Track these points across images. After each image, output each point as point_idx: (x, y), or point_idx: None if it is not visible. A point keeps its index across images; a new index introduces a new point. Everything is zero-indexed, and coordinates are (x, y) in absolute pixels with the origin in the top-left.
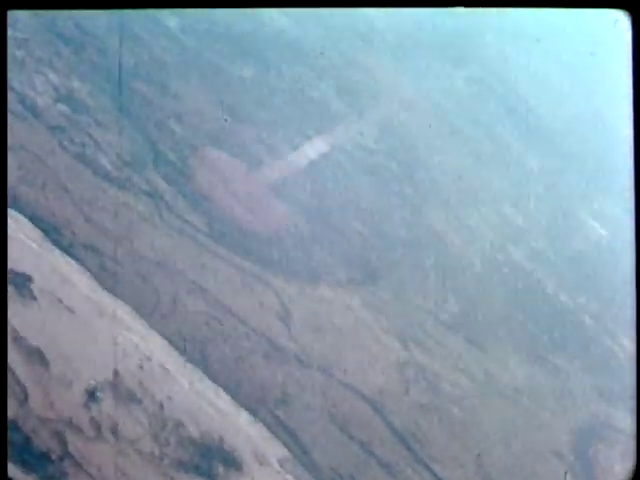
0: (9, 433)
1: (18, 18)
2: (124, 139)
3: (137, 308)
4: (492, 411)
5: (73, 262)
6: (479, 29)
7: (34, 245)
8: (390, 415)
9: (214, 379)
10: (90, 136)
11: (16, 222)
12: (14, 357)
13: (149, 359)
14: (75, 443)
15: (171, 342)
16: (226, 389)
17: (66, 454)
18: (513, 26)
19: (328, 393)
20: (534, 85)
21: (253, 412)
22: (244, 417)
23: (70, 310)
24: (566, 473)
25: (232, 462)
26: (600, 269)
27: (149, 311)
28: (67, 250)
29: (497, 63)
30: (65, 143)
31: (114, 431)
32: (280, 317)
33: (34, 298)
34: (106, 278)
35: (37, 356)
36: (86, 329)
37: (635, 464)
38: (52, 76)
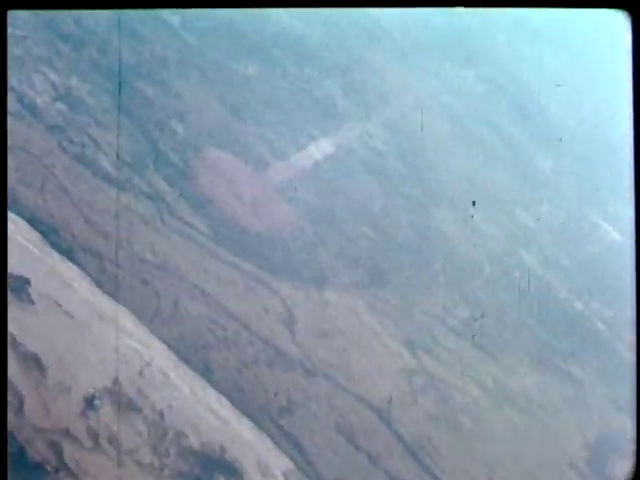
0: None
1: (17, 16)
2: (124, 139)
3: (137, 313)
4: (503, 421)
5: (72, 265)
6: (488, 28)
7: (32, 248)
8: (398, 425)
9: (216, 387)
10: (90, 136)
11: (14, 224)
12: (10, 363)
13: (149, 365)
14: (71, 453)
15: (172, 348)
16: (228, 397)
17: (62, 465)
18: (522, 25)
19: (334, 402)
20: (546, 84)
21: (256, 421)
22: (247, 426)
23: (69, 314)
24: None
25: (234, 473)
26: (614, 274)
27: (150, 316)
28: (66, 253)
29: (508, 62)
30: (64, 143)
31: (112, 441)
32: (284, 322)
33: (32, 302)
34: (106, 282)
35: (34, 362)
36: (85, 334)
37: (635, 464)
38: (51, 75)
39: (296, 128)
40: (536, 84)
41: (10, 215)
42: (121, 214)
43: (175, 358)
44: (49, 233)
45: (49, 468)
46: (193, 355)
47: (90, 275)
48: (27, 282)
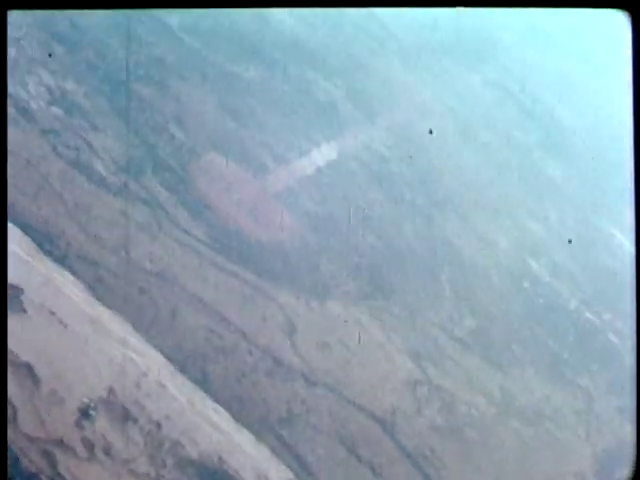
0: None
1: (11, 16)
2: (121, 144)
3: (134, 322)
4: (510, 433)
5: (66, 273)
6: (495, 31)
7: (26, 256)
8: (401, 436)
9: (214, 397)
10: (85, 140)
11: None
12: None
13: (146, 375)
14: (66, 464)
15: (169, 358)
16: (227, 407)
17: (56, 475)
18: (527, 26)
19: (335, 412)
20: (553, 86)
21: (255, 432)
22: (246, 437)
23: (63, 324)
24: None
25: None
26: (627, 284)
27: (146, 325)
28: (60, 261)
29: (515, 66)
30: (59, 148)
31: (108, 451)
32: (285, 332)
33: (24, 311)
34: (101, 290)
35: (27, 372)
36: (79, 344)
37: (635, 464)
38: (46, 77)
39: (298, 133)
40: (545, 88)
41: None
42: (117, 221)
43: (172, 368)
44: (43, 240)
45: (44, 478)
46: (191, 365)
47: (85, 283)
48: (20, 291)
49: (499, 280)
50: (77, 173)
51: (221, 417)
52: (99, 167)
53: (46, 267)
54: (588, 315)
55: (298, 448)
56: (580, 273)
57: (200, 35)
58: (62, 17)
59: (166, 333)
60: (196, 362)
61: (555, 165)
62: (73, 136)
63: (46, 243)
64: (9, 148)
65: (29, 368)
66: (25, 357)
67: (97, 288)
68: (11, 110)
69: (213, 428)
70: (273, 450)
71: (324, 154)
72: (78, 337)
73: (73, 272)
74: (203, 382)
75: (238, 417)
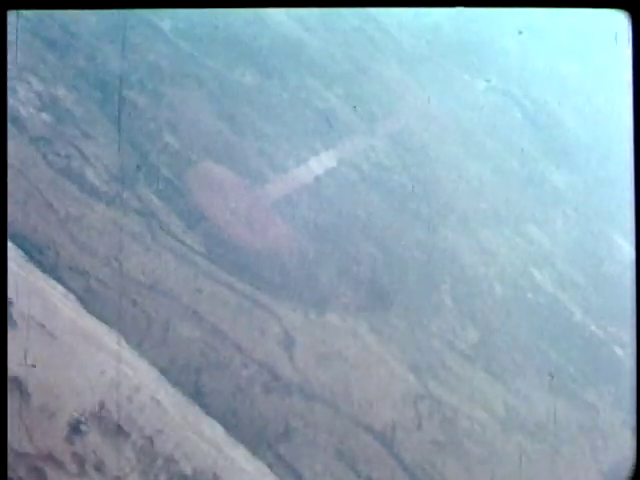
0: None
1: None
2: (113, 152)
3: (126, 335)
4: (513, 448)
5: (57, 285)
6: (497, 35)
7: (14, 266)
8: (402, 452)
9: (209, 412)
10: (77, 148)
11: None
12: None
13: (138, 390)
14: (56, 479)
15: (163, 372)
16: (222, 422)
17: None
18: (527, 26)
19: (334, 428)
20: (553, 88)
21: (251, 448)
22: (241, 453)
23: (53, 336)
24: None
25: None
26: (633, 295)
27: (139, 338)
28: (50, 272)
29: (518, 70)
30: (49, 156)
31: (99, 467)
32: (282, 345)
33: (14, 323)
34: (93, 302)
35: (16, 386)
36: (70, 357)
37: (635, 464)
38: (36, 83)
39: (296, 141)
40: (545, 90)
41: None
42: (109, 231)
43: (166, 382)
44: (32, 251)
45: None
46: (185, 379)
47: (76, 295)
48: (9, 302)
49: (502, 291)
50: (68, 182)
51: (216, 432)
52: (91, 175)
53: (36, 278)
54: (593, 328)
55: (296, 464)
56: (585, 283)
57: (195, 40)
58: (52, 21)
59: (159, 346)
60: (190, 376)
61: (560, 173)
62: (64, 144)
63: (36, 253)
64: None
65: (18, 382)
66: (14, 370)
67: (88, 300)
68: None
69: (208, 443)
70: (270, 466)
71: (323, 162)
72: (69, 350)
73: (63, 283)
74: (197, 396)
75: (233, 432)
